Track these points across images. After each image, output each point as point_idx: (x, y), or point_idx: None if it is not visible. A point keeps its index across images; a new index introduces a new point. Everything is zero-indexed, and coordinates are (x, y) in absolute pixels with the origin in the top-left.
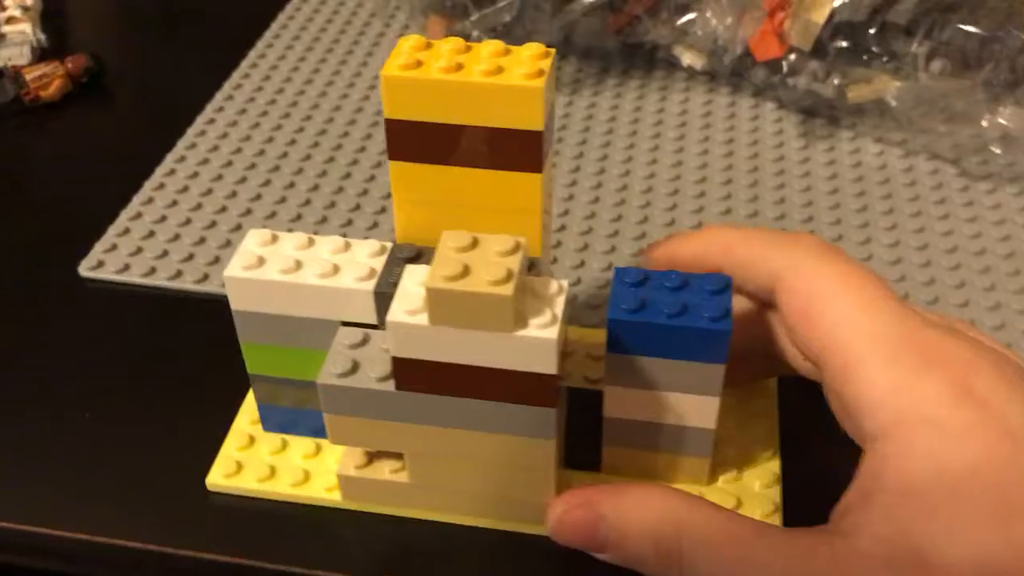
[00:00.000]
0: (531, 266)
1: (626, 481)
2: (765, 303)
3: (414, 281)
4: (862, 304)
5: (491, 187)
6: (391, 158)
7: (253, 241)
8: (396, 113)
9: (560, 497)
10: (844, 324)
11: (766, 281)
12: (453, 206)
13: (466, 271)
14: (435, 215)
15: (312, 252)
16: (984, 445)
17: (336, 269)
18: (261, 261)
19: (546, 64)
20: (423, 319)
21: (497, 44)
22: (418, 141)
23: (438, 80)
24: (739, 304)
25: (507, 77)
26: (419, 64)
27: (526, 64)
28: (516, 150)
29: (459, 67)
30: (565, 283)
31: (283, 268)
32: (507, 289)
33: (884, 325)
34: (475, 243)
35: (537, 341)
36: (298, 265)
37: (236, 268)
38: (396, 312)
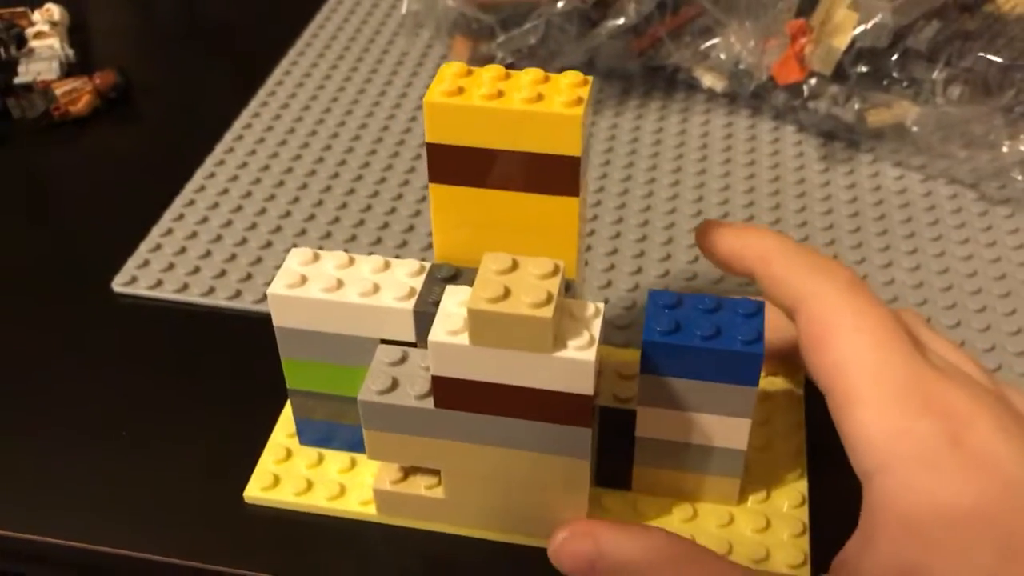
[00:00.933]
0: (567, 287)
1: (630, 521)
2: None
3: (455, 302)
4: (872, 343)
5: (529, 210)
6: (431, 181)
7: (295, 259)
8: (438, 138)
9: (565, 524)
10: (851, 360)
11: (790, 302)
12: (491, 228)
13: (507, 293)
14: (473, 236)
15: (353, 271)
16: (981, 489)
17: (376, 288)
18: (304, 279)
19: (584, 92)
20: (464, 339)
21: (537, 72)
22: (458, 165)
23: (481, 107)
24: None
25: (547, 104)
26: (461, 91)
27: (565, 92)
28: (554, 174)
29: (500, 94)
30: (601, 305)
31: (325, 286)
32: (547, 311)
33: (890, 366)
34: (515, 265)
35: (575, 362)
36: (340, 284)
37: (279, 286)
38: (438, 332)
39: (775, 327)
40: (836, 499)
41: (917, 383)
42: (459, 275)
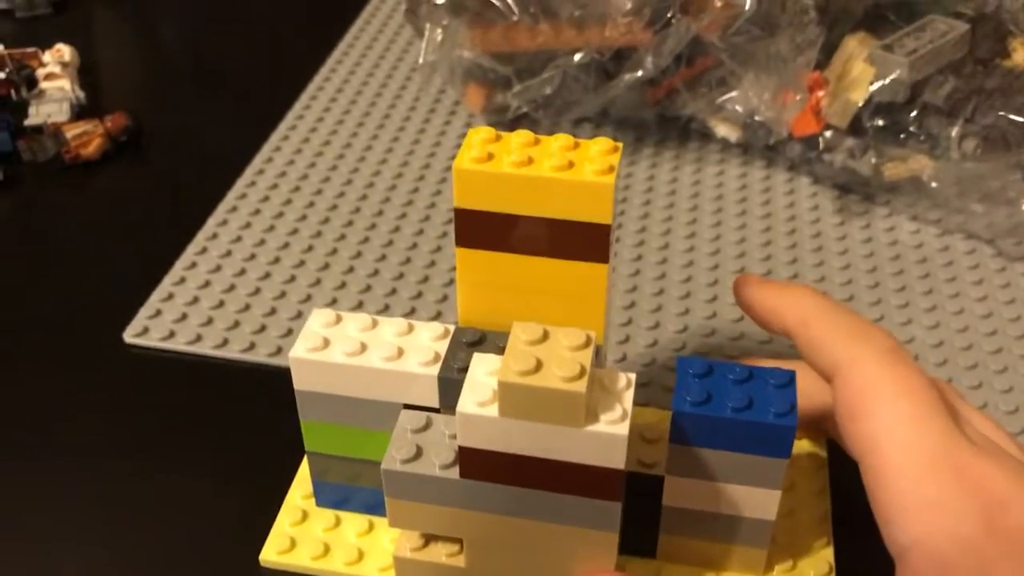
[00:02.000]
0: (596, 354)
1: None
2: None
3: (483, 371)
4: (909, 415)
5: (556, 275)
6: (458, 244)
7: (318, 321)
8: (466, 203)
9: (590, 572)
10: (886, 430)
11: (828, 367)
12: (517, 292)
13: (539, 365)
14: (499, 300)
15: (376, 334)
16: (1015, 572)
17: (400, 352)
18: (326, 342)
19: (615, 159)
20: (493, 411)
21: (566, 139)
22: (486, 230)
23: (511, 174)
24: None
25: (578, 172)
26: (490, 157)
27: (596, 160)
28: (584, 241)
29: (530, 160)
30: (632, 376)
31: (348, 350)
32: (580, 386)
33: (926, 438)
34: (546, 336)
35: (608, 437)
36: (363, 347)
37: (301, 349)
38: (466, 403)
39: (805, 393)
40: (864, 567)
41: (952, 457)
42: (484, 339)
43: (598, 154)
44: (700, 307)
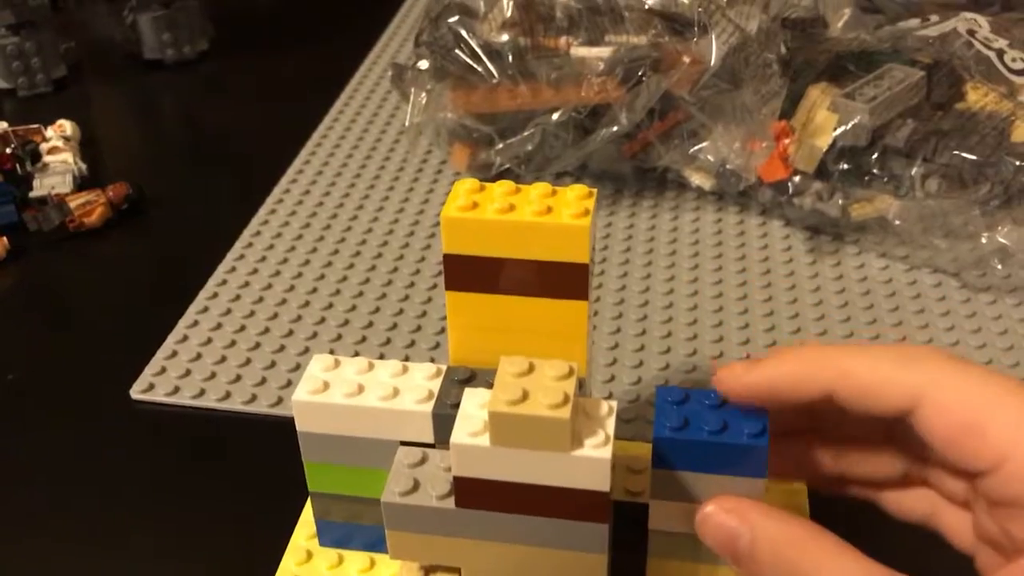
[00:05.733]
0: (579, 386)
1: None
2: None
3: (474, 404)
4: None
5: (540, 313)
6: (448, 288)
7: (317, 367)
8: (454, 249)
9: (716, 496)
10: (1018, 429)
11: (901, 403)
12: (504, 331)
13: (525, 395)
14: (487, 339)
15: (373, 376)
16: None
17: (396, 392)
18: (326, 385)
19: (590, 204)
20: (485, 440)
21: (545, 187)
22: (473, 273)
23: (495, 220)
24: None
25: (556, 216)
26: (475, 205)
27: (573, 204)
28: (564, 280)
29: (512, 207)
30: (614, 403)
31: (347, 391)
32: (565, 412)
33: None
34: (531, 368)
35: (592, 460)
36: (360, 388)
37: (303, 392)
38: (459, 434)
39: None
40: None
41: None
42: (475, 377)
43: (574, 199)
44: (681, 345)
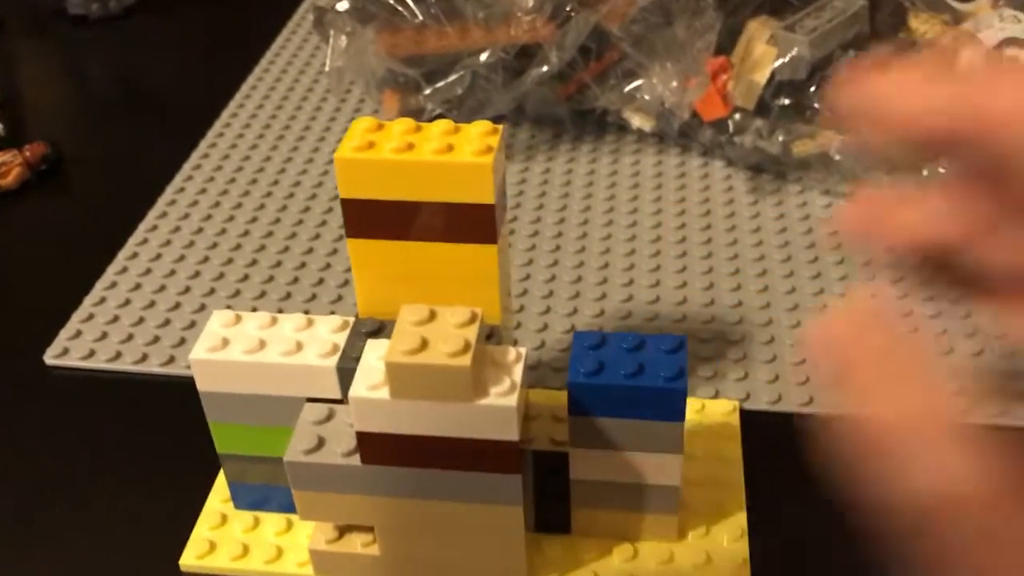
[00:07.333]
0: (491, 334)
1: None
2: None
3: (375, 355)
4: None
5: (449, 259)
6: (349, 236)
7: (217, 322)
8: (352, 193)
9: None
10: None
11: None
12: (413, 279)
13: (424, 344)
14: (396, 289)
15: (275, 331)
16: None
17: (299, 346)
18: (225, 342)
19: (494, 140)
20: (384, 393)
21: (447, 123)
22: (374, 219)
23: (390, 160)
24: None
25: (457, 155)
26: (372, 145)
27: (475, 141)
28: (470, 223)
29: (410, 147)
30: (523, 350)
31: (247, 348)
32: (465, 360)
33: None
34: (433, 316)
35: (497, 409)
36: (262, 344)
37: (201, 350)
38: (358, 387)
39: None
40: (776, 530)
41: None
42: (383, 328)
43: (477, 136)
44: (616, 291)
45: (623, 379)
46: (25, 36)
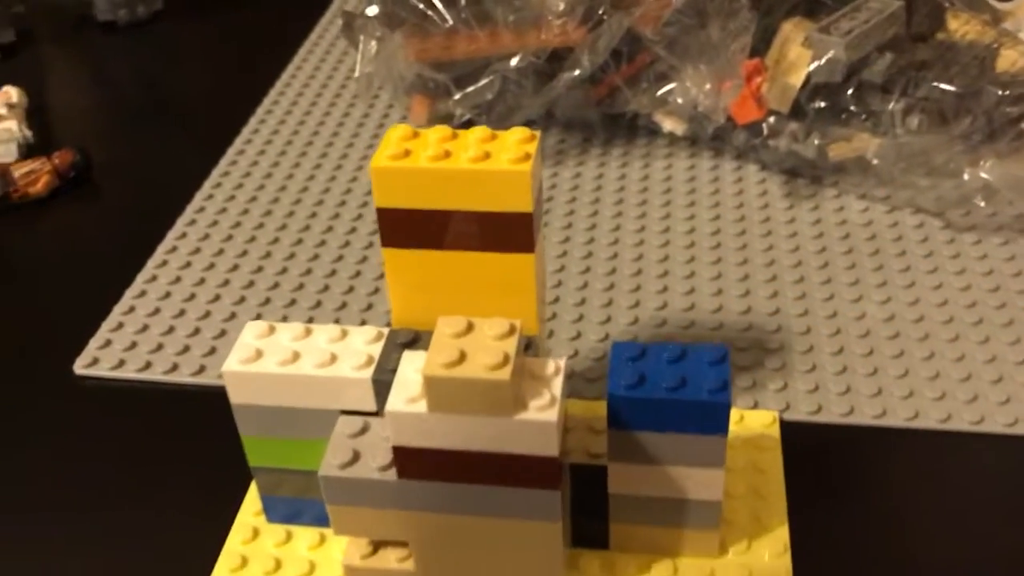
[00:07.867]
0: (528, 345)
1: None
2: None
3: (412, 368)
4: None
5: (485, 269)
6: (384, 245)
7: (250, 334)
8: (387, 202)
9: None
10: None
11: None
12: (448, 289)
13: (463, 357)
14: (430, 298)
15: (309, 342)
16: None
17: (334, 358)
18: (259, 354)
19: (532, 147)
20: (422, 407)
21: (484, 130)
22: (410, 228)
23: (427, 168)
24: None
25: (495, 162)
26: (408, 153)
27: (512, 149)
28: (508, 232)
29: (447, 154)
30: (562, 362)
31: (281, 360)
32: (504, 373)
33: None
34: (470, 327)
35: (537, 424)
36: (295, 356)
37: (234, 362)
38: (395, 401)
39: None
40: (819, 544)
41: None
42: (418, 339)
43: (515, 143)
44: (651, 299)
45: (665, 392)
46: (53, 44)
